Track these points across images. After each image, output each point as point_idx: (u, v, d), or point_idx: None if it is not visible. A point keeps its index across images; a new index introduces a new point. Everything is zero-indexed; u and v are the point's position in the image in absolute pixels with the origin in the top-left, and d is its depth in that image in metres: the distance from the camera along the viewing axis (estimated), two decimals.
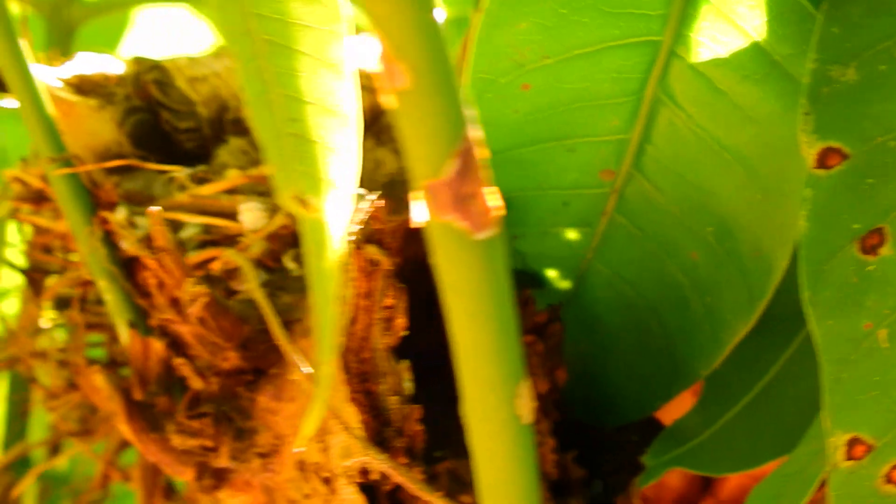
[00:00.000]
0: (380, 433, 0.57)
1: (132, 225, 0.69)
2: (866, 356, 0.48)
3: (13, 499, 0.84)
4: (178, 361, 0.63)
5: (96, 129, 0.73)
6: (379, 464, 0.55)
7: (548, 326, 0.63)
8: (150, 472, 0.72)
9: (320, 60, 0.47)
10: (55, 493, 0.87)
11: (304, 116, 0.46)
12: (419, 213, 0.43)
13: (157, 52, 0.77)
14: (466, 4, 0.87)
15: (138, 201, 0.71)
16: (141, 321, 0.72)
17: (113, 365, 0.77)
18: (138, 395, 0.67)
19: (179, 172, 0.69)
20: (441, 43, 0.40)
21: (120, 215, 0.69)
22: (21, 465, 0.86)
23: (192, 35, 1.23)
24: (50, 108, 0.67)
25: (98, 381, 0.67)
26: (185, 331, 0.61)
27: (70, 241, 0.76)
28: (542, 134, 0.61)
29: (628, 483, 0.64)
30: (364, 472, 0.58)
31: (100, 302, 0.77)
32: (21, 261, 0.79)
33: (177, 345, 0.66)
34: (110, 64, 0.75)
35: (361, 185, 0.65)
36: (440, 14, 0.40)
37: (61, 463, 0.84)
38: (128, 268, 0.71)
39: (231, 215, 0.68)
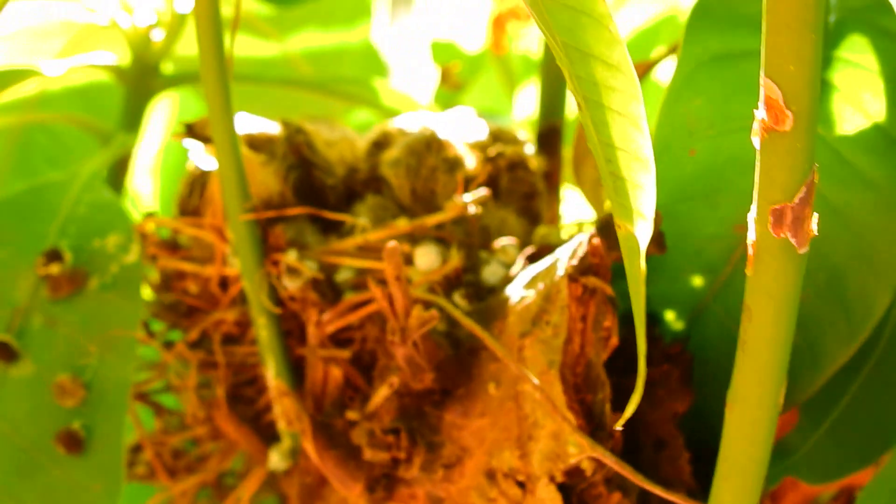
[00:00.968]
0: (592, 436, 0.67)
1: (294, 270, 0.78)
2: None
3: None
4: (381, 386, 0.72)
5: (265, 181, 0.81)
6: (606, 460, 0.66)
7: (679, 356, 0.75)
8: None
9: (624, 116, 0.59)
10: None
11: (617, 159, 0.58)
12: (750, 231, 0.56)
13: None
14: None
15: (299, 247, 0.80)
16: (288, 358, 0.80)
17: (235, 398, 0.85)
18: (317, 416, 0.75)
19: (361, 221, 0.79)
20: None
21: (290, 257, 0.78)
22: None
23: None
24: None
25: (286, 404, 0.75)
26: (400, 353, 0.70)
27: (207, 284, 0.84)
28: (695, 192, 0.74)
29: None
30: (568, 472, 0.68)
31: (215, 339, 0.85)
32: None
33: (360, 370, 0.75)
34: (267, 125, 0.84)
35: (493, 240, 0.77)
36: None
37: None
38: (282, 305, 0.80)
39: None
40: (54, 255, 0.88)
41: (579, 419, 0.66)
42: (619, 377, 0.68)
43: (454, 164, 0.82)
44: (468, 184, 0.82)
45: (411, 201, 0.82)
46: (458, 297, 0.76)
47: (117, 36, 0.95)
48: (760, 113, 0.52)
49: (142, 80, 0.97)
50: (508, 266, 0.78)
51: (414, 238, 0.79)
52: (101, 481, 0.81)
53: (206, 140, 0.79)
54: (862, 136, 0.72)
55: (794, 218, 0.53)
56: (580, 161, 0.89)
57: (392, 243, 0.70)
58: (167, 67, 0.98)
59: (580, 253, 0.67)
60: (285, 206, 0.82)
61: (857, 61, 0.70)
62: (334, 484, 0.75)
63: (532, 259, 0.76)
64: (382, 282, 0.79)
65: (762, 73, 0.51)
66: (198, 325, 0.84)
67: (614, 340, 0.67)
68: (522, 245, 0.83)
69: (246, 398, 0.86)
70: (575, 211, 1.01)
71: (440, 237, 0.80)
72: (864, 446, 0.76)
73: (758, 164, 0.54)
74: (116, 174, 0.97)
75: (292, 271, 0.79)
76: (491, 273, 0.78)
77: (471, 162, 0.83)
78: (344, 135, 0.89)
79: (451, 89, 1.18)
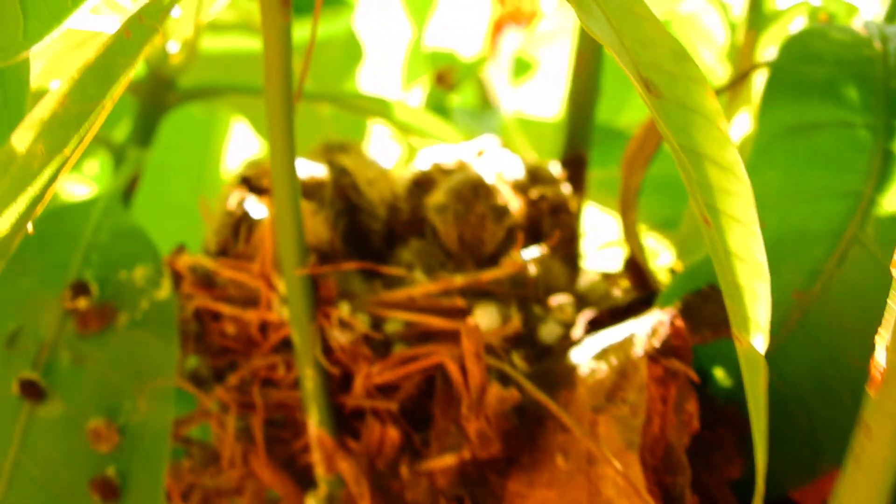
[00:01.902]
0: None
1: (346, 326, 0.76)
2: None
3: None
4: (444, 453, 0.71)
5: (316, 229, 0.79)
6: None
7: (734, 419, 0.76)
8: None
9: (741, 222, 0.59)
10: None
11: (734, 268, 0.58)
12: (878, 355, 0.56)
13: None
14: None
15: (348, 297, 0.78)
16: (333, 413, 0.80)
17: (270, 439, 0.83)
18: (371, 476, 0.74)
19: (417, 273, 0.77)
20: None
21: (343, 311, 0.77)
22: None
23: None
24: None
25: (343, 467, 0.74)
26: (472, 428, 0.70)
27: (246, 327, 0.82)
28: None
29: None
30: None
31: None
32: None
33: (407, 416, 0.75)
34: (314, 168, 0.81)
35: (538, 289, 0.76)
36: None
37: None
38: (328, 355, 0.79)
39: (451, 313, 0.77)
40: (81, 288, 0.85)
41: (658, 502, 0.67)
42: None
43: (502, 211, 0.81)
44: (513, 231, 0.82)
45: (458, 248, 0.81)
46: (516, 358, 0.76)
47: None
48: None
49: (156, 93, 0.94)
50: (566, 325, 0.77)
51: (465, 291, 0.78)
52: None
53: (262, 192, 0.76)
54: None
55: None
56: (630, 171, 0.88)
57: (472, 322, 0.69)
58: (184, 80, 0.94)
59: (662, 333, 0.67)
60: (335, 254, 0.80)
61: None
62: None
63: (595, 325, 0.76)
64: (436, 337, 0.78)
65: None
66: (238, 372, 0.82)
67: (696, 424, 0.67)
68: (566, 289, 0.83)
69: (281, 439, 0.84)
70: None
71: (495, 292, 0.79)
72: None
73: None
74: (127, 194, 0.94)
75: (344, 324, 0.77)
76: (548, 332, 0.77)
77: (515, 205, 0.82)
78: (381, 171, 0.87)
79: (444, 90, 1.16)
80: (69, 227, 0.86)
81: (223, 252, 0.81)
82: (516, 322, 0.75)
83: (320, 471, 0.80)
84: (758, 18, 0.96)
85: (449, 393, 0.75)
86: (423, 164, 0.88)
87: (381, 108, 0.99)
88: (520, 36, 1.18)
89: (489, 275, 0.77)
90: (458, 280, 0.77)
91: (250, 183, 0.77)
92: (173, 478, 0.85)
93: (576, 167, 0.94)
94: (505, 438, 0.71)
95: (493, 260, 0.82)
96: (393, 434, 0.75)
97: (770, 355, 0.72)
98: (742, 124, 0.99)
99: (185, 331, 0.85)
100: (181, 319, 0.85)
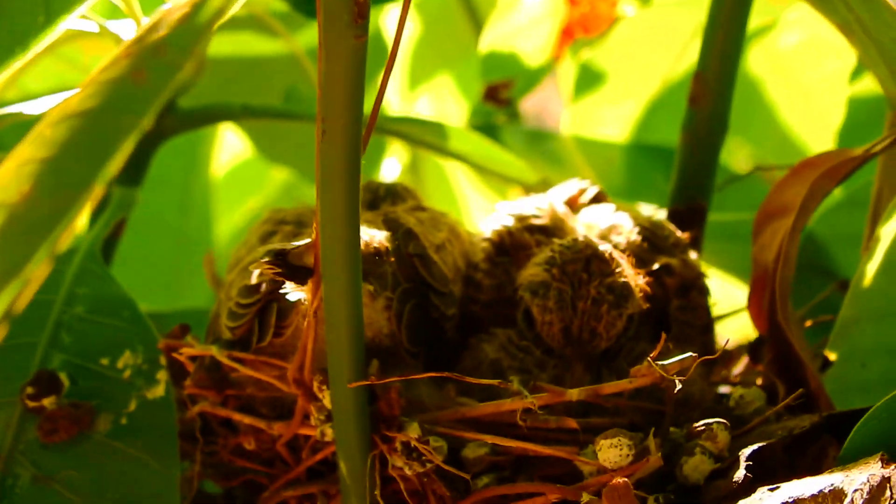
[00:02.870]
0: None
1: (413, 454, 0.55)
2: None
3: None
4: None
5: (374, 319, 0.58)
6: None
7: None
8: None
9: None
10: None
11: None
12: None
13: None
14: None
15: (414, 408, 0.57)
16: None
17: None
18: None
19: (515, 385, 0.56)
20: None
21: (412, 433, 0.55)
22: None
23: None
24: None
25: None
26: None
27: (272, 442, 0.60)
28: None
29: None
30: None
31: None
32: None
33: None
34: (369, 232, 0.60)
35: None
36: None
37: None
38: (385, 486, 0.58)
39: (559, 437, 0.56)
40: (47, 381, 0.63)
41: None
42: None
43: (622, 294, 0.59)
44: (633, 319, 0.60)
45: (562, 343, 0.59)
46: None
47: None
48: None
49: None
50: (717, 458, 0.56)
51: (585, 407, 0.57)
52: None
53: (303, 272, 0.54)
54: None
55: None
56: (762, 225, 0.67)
57: (621, 480, 0.48)
58: (185, 99, 0.72)
59: (890, 497, 0.47)
60: (398, 351, 0.59)
61: None
62: None
63: (759, 460, 0.54)
64: (534, 466, 0.57)
65: None
66: None
67: None
68: (708, 402, 0.62)
69: None
70: None
71: (621, 410, 0.58)
72: None
73: None
74: (107, 247, 0.72)
75: (411, 451, 0.56)
76: (694, 469, 0.56)
77: (636, 283, 0.60)
78: (451, 228, 0.65)
79: (496, 107, 0.94)
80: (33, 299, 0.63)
81: (242, 343, 0.59)
82: (656, 458, 0.54)
83: None
84: None
85: None
86: (503, 218, 0.66)
87: (437, 137, 0.77)
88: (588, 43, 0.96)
89: (614, 387, 0.56)
90: (573, 394, 0.56)
91: (286, 260, 0.55)
92: None
93: (693, 220, 0.72)
94: None
95: (609, 359, 0.60)
96: None
97: None
98: None
99: (185, 442, 0.63)
100: (181, 426, 0.63)
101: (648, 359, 0.55)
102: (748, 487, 0.54)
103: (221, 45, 0.89)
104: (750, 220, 0.75)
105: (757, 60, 0.99)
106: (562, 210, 0.67)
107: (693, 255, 0.67)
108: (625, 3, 0.97)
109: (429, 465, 0.56)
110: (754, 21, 0.84)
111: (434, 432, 0.57)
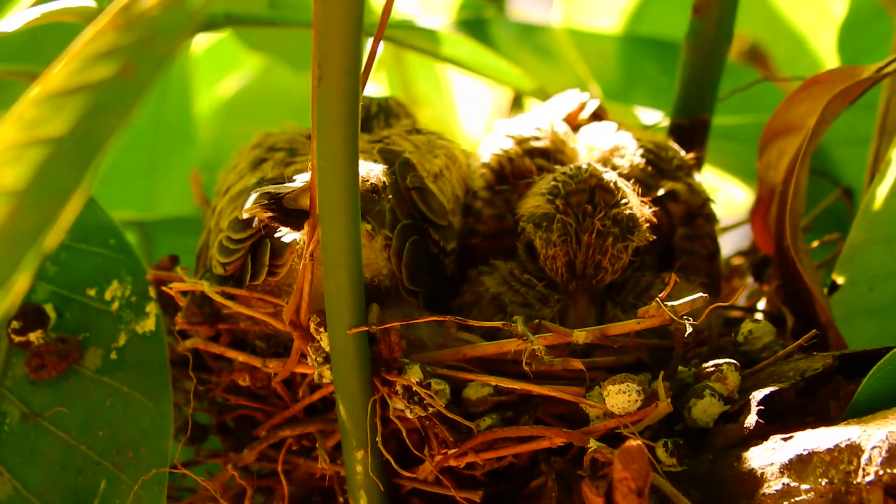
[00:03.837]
0: None
1: (415, 397, 0.54)
2: None
3: None
4: None
5: (372, 259, 0.56)
6: None
7: None
8: None
9: None
10: None
11: None
12: None
13: None
14: None
15: (413, 346, 0.56)
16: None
17: None
18: None
19: (519, 326, 0.54)
20: None
21: (413, 377, 0.54)
22: None
23: None
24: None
25: None
26: None
27: (266, 379, 0.59)
28: None
29: None
30: None
31: None
32: None
33: None
34: (366, 166, 0.57)
35: None
36: None
37: None
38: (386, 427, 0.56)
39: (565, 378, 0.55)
40: (33, 315, 0.61)
41: None
42: None
43: (628, 227, 0.57)
44: (636, 252, 0.58)
45: (566, 277, 0.57)
46: (661, 452, 0.53)
47: None
48: None
49: None
50: (727, 400, 0.54)
51: (591, 344, 0.56)
52: None
53: (299, 215, 0.52)
54: None
55: None
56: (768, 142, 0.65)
57: (635, 443, 0.46)
58: None
59: None
60: (397, 290, 0.57)
61: None
62: None
63: (768, 405, 0.53)
64: (535, 405, 0.55)
65: None
66: (255, 447, 0.59)
67: None
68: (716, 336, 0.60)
69: None
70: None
71: (629, 350, 0.56)
72: None
73: None
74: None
75: (412, 395, 0.54)
76: (703, 411, 0.54)
77: (643, 213, 0.58)
78: (448, 151, 0.63)
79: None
80: None
81: (234, 278, 0.57)
82: (665, 405, 0.52)
83: None
84: None
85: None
86: (501, 141, 0.64)
87: (430, 43, 0.74)
88: None
89: (621, 328, 0.54)
90: (580, 336, 0.54)
91: (280, 204, 0.52)
92: None
93: (697, 134, 0.70)
94: None
95: (614, 293, 0.58)
96: None
97: None
98: None
99: (175, 378, 0.61)
100: (173, 360, 0.61)
101: (657, 299, 0.53)
102: (759, 433, 0.53)
103: None
104: (752, 124, 0.73)
105: None
106: (562, 130, 0.64)
107: (698, 177, 0.65)
108: None
109: (430, 410, 0.54)
110: None
111: (436, 374, 0.55)
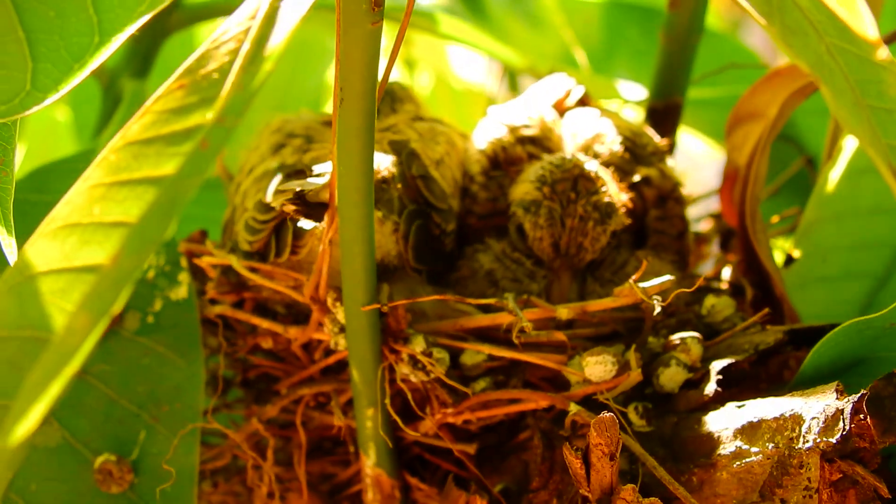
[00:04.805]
0: None
1: (419, 364, 0.62)
2: None
3: None
4: None
5: (383, 243, 0.63)
6: None
7: None
8: None
9: None
10: None
11: None
12: None
13: None
14: None
15: (414, 314, 0.64)
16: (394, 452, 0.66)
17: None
18: None
19: (509, 302, 0.62)
20: None
21: (417, 347, 0.62)
22: None
23: None
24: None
25: None
26: None
27: (287, 343, 0.67)
28: None
29: None
30: None
31: None
32: None
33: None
34: (377, 158, 0.64)
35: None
36: None
37: None
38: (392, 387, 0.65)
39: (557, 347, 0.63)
40: None
41: None
42: None
43: (607, 212, 0.65)
44: (614, 234, 0.66)
45: (551, 256, 0.65)
46: (633, 415, 0.62)
47: None
48: None
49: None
50: (690, 368, 0.63)
51: (571, 320, 0.64)
52: None
53: (320, 208, 0.60)
54: None
55: None
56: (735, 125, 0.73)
57: (608, 415, 0.55)
58: None
59: (842, 428, 0.53)
60: (405, 269, 0.64)
61: None
62: None
63: (725, 374, 0.61)
64: (522, 370, 0.64)
65: None
66: (278, 401, 0.67)
67: None
68: (682, 309, 0.68)
69: (325, 472, 0.70)
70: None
71: (605, 323, 0.64)
72: None
73: None
74: None
75: (417, 363, 0.62)
76: (669, 379, 0.63)
77: (621, 199, 0.66)
78: (448, 138, 0.70)
79: None
80: (53, 193, 0.68)
81: (259, 254, 0.65)
82: (637, 374, 0.60)
83: None
84: None
85: (550, 458, 0.61)
86: (496, 128, 0.71)
87: (427, 23, 0.81)
88: None
89: (599, 305, 0.62)
90: (563, 312, 0.62)
91: (305, 199, 0.60)
92: None
93: (667, 118, 0.78)
94: None
95: (593, 269, 0.66)
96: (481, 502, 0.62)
97: None
98: None
99: (205, 340, 0.69)
100: (203, 323, 0.69)
101: (630, 281, 0.61)
102: (718, 399, 0.61)
103: None
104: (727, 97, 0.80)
105: None
106: (550, 118, 0.72)
107: (670, 162, 0.73)
108: None
109: (432, 375, 0.63)
110: None
111: (437, 344, 0.63)
